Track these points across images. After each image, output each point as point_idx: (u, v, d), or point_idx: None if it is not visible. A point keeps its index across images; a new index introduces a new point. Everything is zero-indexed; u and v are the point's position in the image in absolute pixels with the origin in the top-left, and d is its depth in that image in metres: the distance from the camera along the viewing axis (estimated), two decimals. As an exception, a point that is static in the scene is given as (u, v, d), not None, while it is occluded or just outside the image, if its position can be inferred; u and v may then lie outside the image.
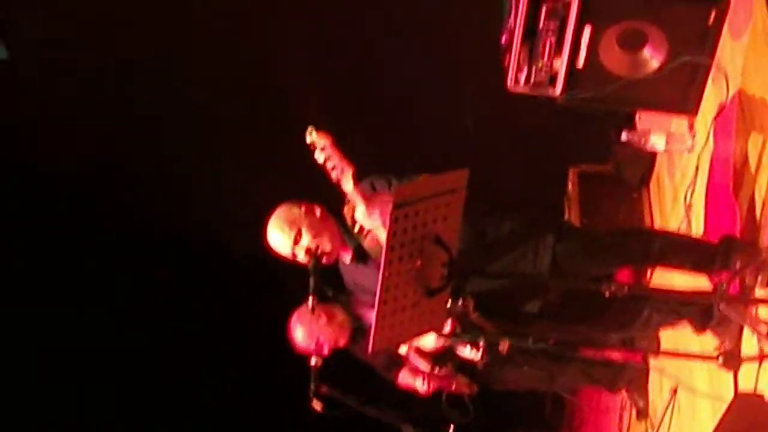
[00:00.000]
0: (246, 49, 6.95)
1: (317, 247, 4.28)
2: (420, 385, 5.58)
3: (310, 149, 3.93)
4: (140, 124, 7.28)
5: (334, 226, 4.40)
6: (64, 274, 7.83)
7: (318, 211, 4.40)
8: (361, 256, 4.46)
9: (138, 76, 7.11)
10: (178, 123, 7.22)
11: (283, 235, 4.34)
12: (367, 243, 4.39)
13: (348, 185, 4.03)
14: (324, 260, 4.30)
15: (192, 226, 7.49)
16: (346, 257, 4.50)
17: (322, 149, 3.92)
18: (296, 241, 4.32)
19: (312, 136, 3.91)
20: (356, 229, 4.35)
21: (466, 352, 4.24)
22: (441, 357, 5.46)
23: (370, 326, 3.60)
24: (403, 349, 5.23)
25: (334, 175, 3.99)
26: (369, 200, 4.10)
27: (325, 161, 3.95)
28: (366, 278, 4.47)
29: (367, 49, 6.92)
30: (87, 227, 7.62)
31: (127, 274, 7.89)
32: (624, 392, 6.21)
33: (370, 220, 4.12)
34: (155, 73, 7.07)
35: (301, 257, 4.30)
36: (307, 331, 5.18)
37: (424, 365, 5.46)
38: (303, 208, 4.39)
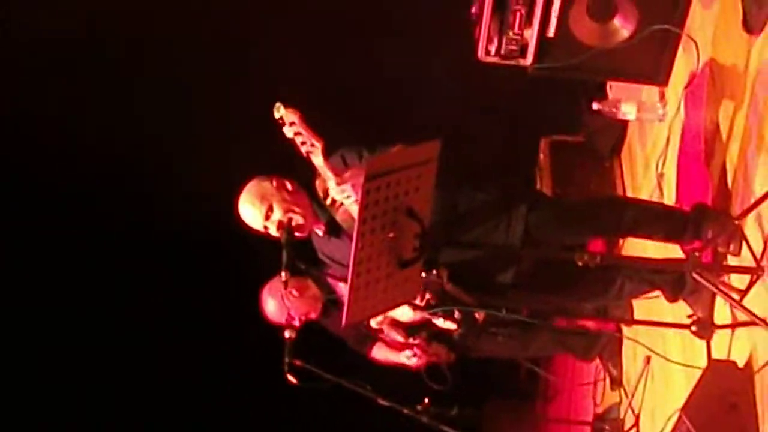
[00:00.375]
0: (233, 41, 6.93)
1: (289, 221, 4.28)
2: (406, 359, 5.60)
3: (278, 124, 3.92)
4: (135, 122, 7.27)
5: (306, 199, 4.38)
6: (57, 271, 7.83)
7: (289, 185, 4.38)
8: (333, 229, 4.45)
9: (135, 75, 7.09)
10: (169, 116, 7.20)
11: (255, 210, 4.33)
12: (339, 216, 4.38)
13: (318, 159, 4.02)
14: (296, 234, 4.30)
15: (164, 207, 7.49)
16: (319, 230, 4.50)
17: (291, 124, 3.91)
18: (267, 216, 4.31)
19: (280, 112, 3.90)
20: (328, 202, 4.35)
21: (441, 322, 4.25)
22: (414, 328, 5.47)
23: (343, 299, 3.60)
24: (374, 322, 5.23)
25: (303, 149, 3.98)
26: (339, 173, 4.10)
27: (294, 136, 3.95)
28: (339, 251, 4.47)
29: (339, 22, 6.90)
30: (75, 224, 7.60)
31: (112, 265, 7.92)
32: (598, 361, 6.24)
33: (340, 193, 4.12)
34: (152, 72, 7.05)
35: (273, 231, 4.29)
36: (278, 304, 5.20)
37: (398, 336, 5.47)
38: (274, 183, 4.37)
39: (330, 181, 4.10)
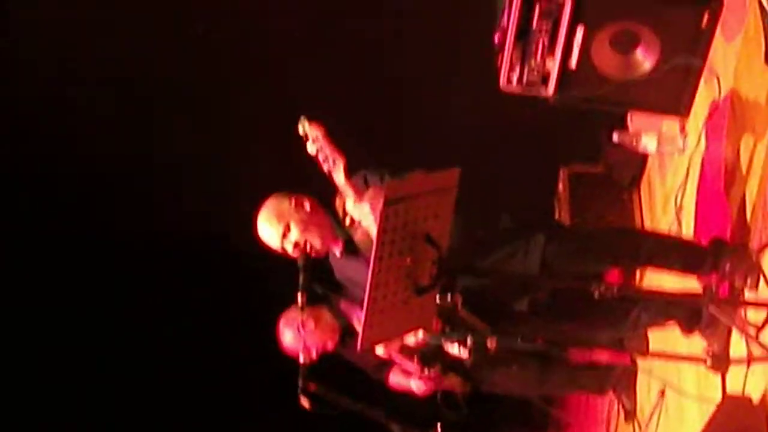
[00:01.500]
0: (240, 44, 6.94)
1: (305, 242, 4.29)
2: (416, 386, 5.59)
3: (303, 140, 3.94)
4: (136, 123, 7.27)
5: (324, 218, 4.39)
6: (52, 271, 7.84)
7: (307, 204, 4.40)
8: (351, 249, 4.46)
9: (136, 76, 7.10)
10: (173, 119, 7.21)
11: (272, 230, 4.35)
12: (357, 236, 4.39)
13: (339, 176, 4.04)
14: (313, 254, 4.31)
15: (185, 221, 7.49)
16: (336, 250, 4.51)
17: (314, 140, 3.94)
18: (284, 236, 4.33)
19: (304, 127, 3.92)
20: (347, 222, 4.36)
21: (454, 349, 4.24)
22: (429, 357, 5.46)
23: (358, 326, 3.60)
24: (379, 350, 5.21)
25: (325, 166, 4.01)
26: (359, 192, 4.11)
27: (317, 152, 3.97)
28: (356, 272, 4.47)
29: (362, 47, 6.91)
30: (72, 224, 7.62)
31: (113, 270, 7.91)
32: (612, 393, 6.21)
33: (358, 212, 4.13)
34: (153, 72, 7.07)
35: (290, 251, 4.31)
36: (294, 335, 5.19)
37: (411, 366, 5.47)
38: (293, 201, 4.39)
39: (349, 199, 4.11)
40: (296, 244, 4.31)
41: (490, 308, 4.20)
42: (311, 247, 4.31)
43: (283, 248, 4.36)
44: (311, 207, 4.41)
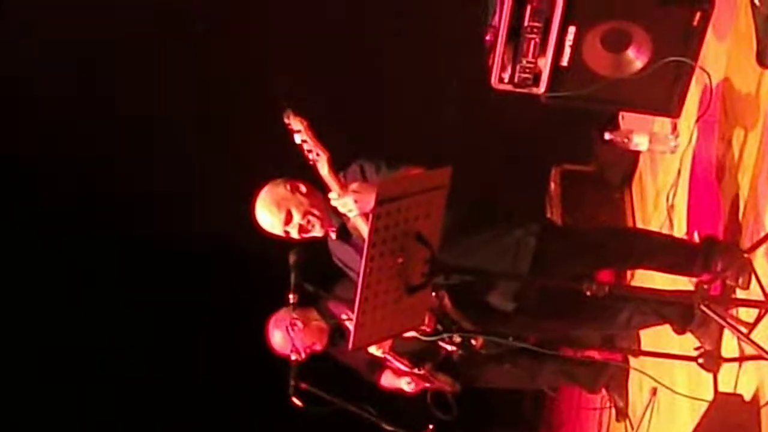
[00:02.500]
0: (229, 42, 6.94)
1: (308, 222, 4.36)
2: (406, 385, 5.59)
3: (289, 131, 3.97)
4: (130, 123, 7.27)
5: (321, 200, 4.40)
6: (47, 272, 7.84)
7: (303, 188, 4.42)
8: (344, 234, 4.49)
9: (131, 75, 7.09)
10: (166, 118, 7.21)
11: (273, 217, 4.38)
12: (348, 226, 4.41)
13: (323, 169, 4.06)
14: (313, 234, 4.36)
15: (170, 218, 7.50)
16: (332, 233, 4.52)
17: (298, 132, 3.95)
18: (287, 222, 4.37)
19: (288, 119, 3.94)
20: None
21: (447, 347, 4.25)
22: (420, 357, 5.46)
23: (349, 326, 3.60)
24: (374, 350, 5.22)
25: (310, 157, 4.02)
26: (343, 185, 4.13)
27: (301, 143, 3.98)
28: (349, 257, 4.52)
29: (352, 46, 6.91)
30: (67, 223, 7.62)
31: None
32: (604, 391, 6.22)
33: (342, 206, 4.13)
34: (147, 72, 7.06)
35: (295, 234, 4.36)
36: (283, 335, 5.20)
37: (403, 366, 5.47)
38: (288, 186, 4.41)
39: (333, 192, 4.12)
40: (301, 227, 4.37)
41: (479, 306, 4.21)
42: (313, 227, 4.34)
43: (286, 233, 4.39)
44: (307, 190, 4.42)
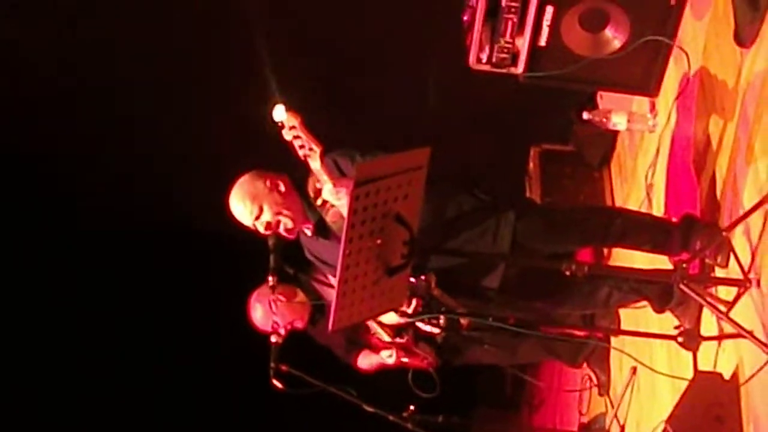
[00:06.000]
0: (211, 27, 6.91)
1: (277, 223, 4.30)
2: (386, 356, 5.59)
3: (278, 127, 3.93)
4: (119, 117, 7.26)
5: (298, 200, 4.39)
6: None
7: (282, 186, 4.39)
8: (321, 229, 4.47)
9: (122, 69, 7.07)
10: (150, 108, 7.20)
11: (245, 209, 4.35)
12: (329, 217, 4.40)
13: (315, 163, 4.04)
14: (286, 235, 4.31)
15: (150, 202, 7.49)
16: (307, 230, 4.51)
17: (292, 128, 3.92)
18: (257, 217, 4.35)
19: (281, 115, 3.90)
20: (318, 202, 4.35)
21: (426, 327, 4.25)
22: (402, 328, 5.47)
23: (330, 305, 3.60)
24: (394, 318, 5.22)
25: (301, 152, 4.00)
26: (336, 178, 4.11)
27: (292, 139, 3.96)
28: (326, 251, 4.50)
29: (330, 27, 6.89)
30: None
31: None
32: (585, 366, 6.23)
33: (336, 198, 4.12)
34: (152, 70, 7.04)
35: (262, 230, 4.32)
36: (265, 311, 5.20)
37: (385, 334, 5.47)
38: (267, 182, 4.38)
39: (326, 185, 4.10)
40: (268, 225, 4.33)
41: (461, 287, 4.21)
42: (283, 227, 4.32)
43: (254, 227, 4.37)
44: (286, 188, 4.41)
